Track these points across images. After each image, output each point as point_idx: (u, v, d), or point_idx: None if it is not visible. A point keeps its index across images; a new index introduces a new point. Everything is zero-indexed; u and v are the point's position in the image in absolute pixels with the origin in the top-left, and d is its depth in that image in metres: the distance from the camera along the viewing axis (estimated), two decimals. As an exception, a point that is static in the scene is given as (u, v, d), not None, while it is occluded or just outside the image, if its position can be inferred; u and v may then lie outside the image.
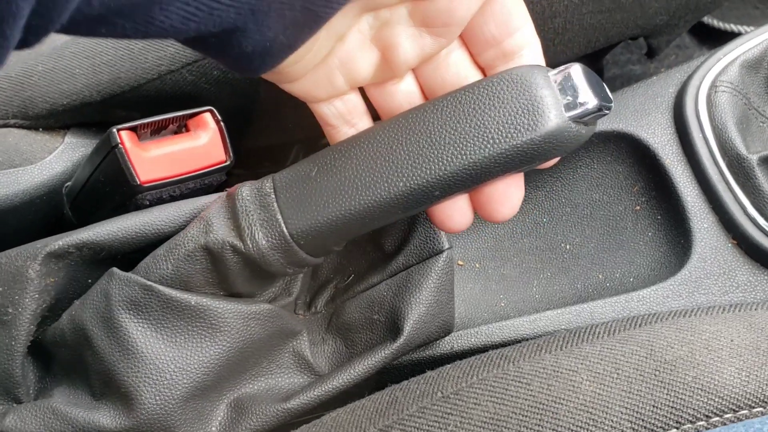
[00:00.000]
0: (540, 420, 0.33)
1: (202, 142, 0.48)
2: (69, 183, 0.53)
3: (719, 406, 0.33)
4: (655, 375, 0.34)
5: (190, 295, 0.41)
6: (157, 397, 0.41)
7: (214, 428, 0.43)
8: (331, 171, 0.39)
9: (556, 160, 0.40)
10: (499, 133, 0.36)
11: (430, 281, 0.46)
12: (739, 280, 0.52)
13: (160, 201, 0.47)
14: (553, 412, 0.33)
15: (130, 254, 0.44)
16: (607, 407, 0.33)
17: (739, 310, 0.38)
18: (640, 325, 0.36)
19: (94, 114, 0.56)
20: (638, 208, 0.57)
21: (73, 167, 0.56)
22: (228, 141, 0.48)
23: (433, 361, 0.51)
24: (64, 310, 0.44)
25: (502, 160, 0.36)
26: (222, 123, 0.48)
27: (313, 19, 0.33)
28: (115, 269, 0.42)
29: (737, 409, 0.33)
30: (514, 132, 0.36)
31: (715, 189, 0.54)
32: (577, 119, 0.36)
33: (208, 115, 0.48)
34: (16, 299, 0.43)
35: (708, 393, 0.33)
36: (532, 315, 0.52)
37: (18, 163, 0.55)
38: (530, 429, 0.33)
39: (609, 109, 0.37)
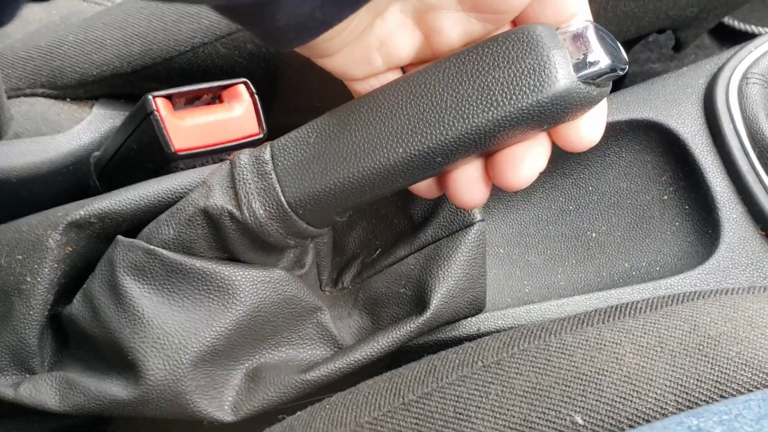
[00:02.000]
0: (583, 391, 0.33)
1: (237, 114, 0.48)
2: (97, 153, 0.53)
3: (763, 381, 0.33)
4: (698, 349, 0.33)
5: (195, 259, 0.40)
6: (166, 363, 0.40)
7: (230, 397, 0.42)
8: (330, 137, 0.37)
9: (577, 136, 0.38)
10: (504, 94, 0.34)
11: (459, 255, 0.45)
12: (767, 270, 0.52)
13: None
14: (596, 383, 0.33)
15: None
16: (651, 379, 0.33)
17: (781, 290, 0.37)
18: (682, 302, 0.36)
19: (123, 86, 0.56)
20: (666, 197, 0.57)
21: (101, 138, 0.55)
22: (261, 114, 0.48)
23: (458, 341, 0.51)
24: (83, 280, 0.44)
25: (507, 124, 0.34)
26: (256, 95, 0.48)
27: None
28: (119, 237, 0.42)
29: (781, 385, 0.33)
30: (520, 93, 0.34)
31: (745, 179, 0.53)
32: (588, 80, 0.34)
33: (242, 87, 0.48)
34: (35, 268, 0.42)
35: (752, 368, 0.33)
36: (559, 300, 0.52)
37: (46, 131, 0.55)
38: (573, 399, 0.33)
39: (623, 69, 0.35)
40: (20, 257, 0.43)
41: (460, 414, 0.34)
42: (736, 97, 0.55)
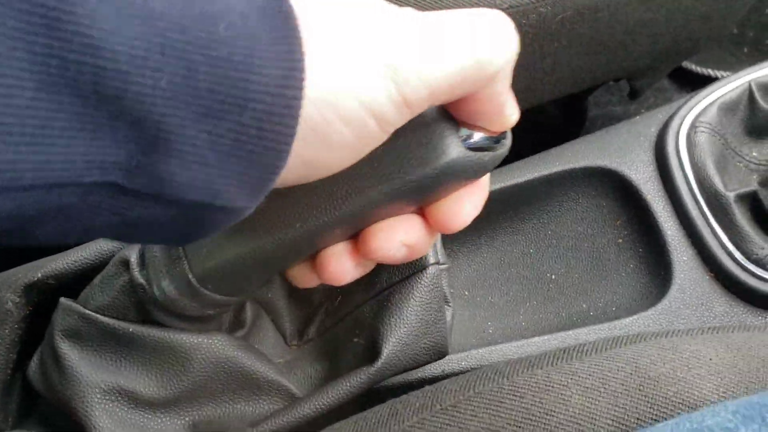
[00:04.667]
0: (533, 431, 0.35)
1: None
2: None
3: (699, 420, 0.35)
4: (639, 390, 0.36)
5: (129, 324, 0.41)
6: (107, 422, 0.40)
7: None
8: None
9: None
10: (395, 168, 0.34)
11: (413, 300, 0.44)
12: (716, 311, 0.55)
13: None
14: (544, 423, 0.35)
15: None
16: (595, 419, 0.35)
17: (718, 332, 0.40)
18: (625, 344, 0.39)
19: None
20: (621, 240, 0.60)
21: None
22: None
23: (423, 383, 0.53)
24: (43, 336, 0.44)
25: (397, 194, 0.34)
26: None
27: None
28: (62, 299, 0.42)
29: (715, 424, 0.35)
30: (409, 167, 0.33)
31: (695, 224, 0.56)
32: (475, 148, 0.34)
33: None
34: None
35: (687, 406, 0.35)
36: (520, 341, 0.54)
37: None
38: (523, 439, 0.35)
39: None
40: None
41: (418, 455, 0.36)
42: (685, 146, 0.58)
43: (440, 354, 0.46)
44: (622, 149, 0.60)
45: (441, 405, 0.37)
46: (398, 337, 0.43)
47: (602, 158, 0.60)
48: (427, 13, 0.30)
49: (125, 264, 0.40)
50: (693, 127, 0.59)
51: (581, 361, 0.38)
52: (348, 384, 0.43)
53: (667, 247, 0.57)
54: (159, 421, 0.41)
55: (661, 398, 0.35)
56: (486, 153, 0.34)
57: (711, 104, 0.60)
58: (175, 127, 0.24)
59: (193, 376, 0.41)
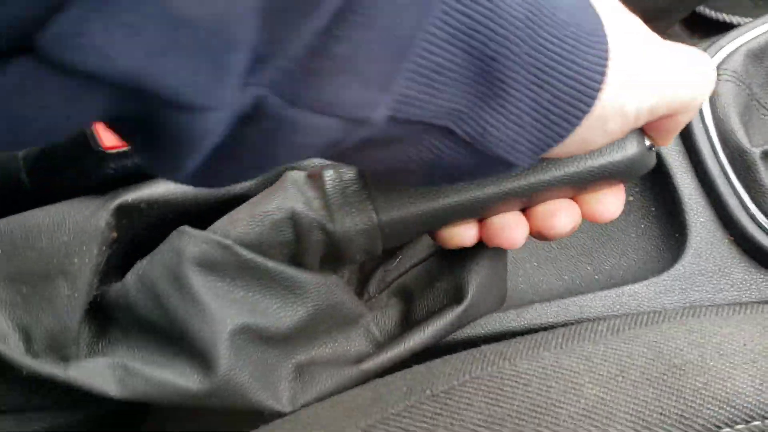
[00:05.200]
0: (538, 424, 0.30)
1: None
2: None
3: (731, 416, 0.31)
4: (663, 380, 0.31)
5: (267, 260, 0.42)
6: (232, 357, 0.40)
7: (286, 389, 0.42)
8: None
9: None
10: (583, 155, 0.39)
11: (485, 251, 0.46)
12: (734, 278, 0.50)
13: (124, 169, 0.43)
14: (552, 416, 0.30)
15: (193, 219, 0.44)
16: (611, 413, 0.30)
17: (751, 312, 0.35)
18: (646, 324, 0.34)
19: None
20: (631, 198, 0.55)
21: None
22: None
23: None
24: (125, 269, 0.43)
25: (596, 174, 0.39)
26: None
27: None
28: (186, 227, 0.42)
29: (750, 420, 0.31)
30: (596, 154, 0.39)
31: (714, 182, 0.51)
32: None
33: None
34: (84, 250, 0.42)
35: (719, 401, 0.31)
36: (519, 308, 0.50)
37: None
38: (527, 434, 0.30)
39: None
40: (66, 239, 0.42)
41: (404, 449, 0.31)
42: (707, 95, 0.53)
43: (501, 303, 0.49)
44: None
45: (432, 390, 0.33)
46: (480, 278, 0.46)
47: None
48: (655, 41, 0.36)
49: (294, 201, 0.42)
50: (716, 74, 0.53)
51: (595, 343, 0.33)
52: (439, 323, 0.44)
53: (682, 207, 0.52)
54: (275, 357, 0.43)
55: (688, 390, 0.31)
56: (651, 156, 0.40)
57: (736, 50, 0.55)
58: (514, 88, 0.29)
59: (310, 315, 0.43)
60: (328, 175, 0.42)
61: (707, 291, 0.50)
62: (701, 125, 0.52)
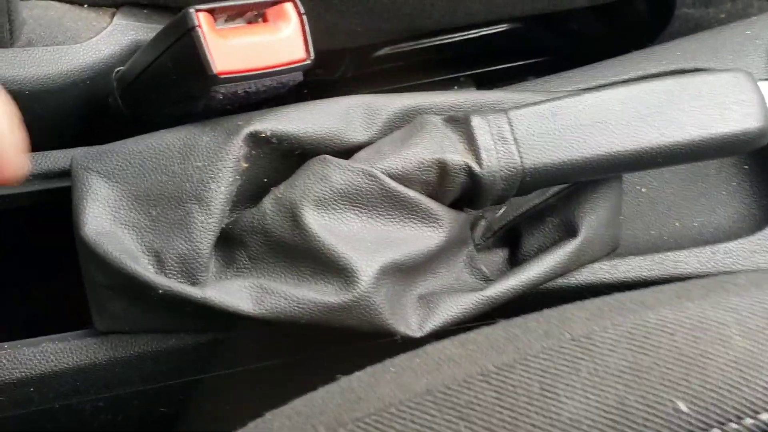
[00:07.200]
0: (686, 373, 0.30)
1: (284, 35, 0.43)
2: (122, 68, 0.48)
3: None
4: (815, 336, 0.30)
5: (409, 190, 0.43)
6: (372, 276, 0.41)
7: (413, 315, 0.44)
8: (573, 116, 0.43)
9: None
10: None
11: (599, 189, 0.47)
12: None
13: (234, 96, 0.42)
14: (700, 367, 0.30)
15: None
16: (761, 367, 0.30)
17: None
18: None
19: (148, -7, 0.51)
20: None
21: (122, 51, 0.50)
22: (309, 36, 0.43)
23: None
24: (253, 199, 0.44)
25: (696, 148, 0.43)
26: (304, 16, 0.43)
27: None
28: (327, 156, 0.43)
29: None
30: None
31: (815, 140, 0.50)
32: None
33: (289, 6, 0.43)
34: (218, 175, 0.41)
35: None
36: (612, 260, 0.49)
37: (61, 40, 0.49)
38: (675, 383, 0.29)
39: None
40: (199, 164, 0.41)
41: (546, 391, 0.30)
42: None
43: (616, 246, 0.50)
44: (735, 51, 0.54)
45: (571, 334, 0.32)
46: (594, 217, 0.47)
47: (713, 60, 0.53)
48: None
49: (441, 145, 0.43)
50: None
51: (740, 296, 0.32)
52: (555, 256, 0.46)
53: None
54: (401, 286, 0.44)
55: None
56: None
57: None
58: None
59: (440, 248, 0.44)
60: (475, 119, 0.43)
61: (801, 253, 0.50)
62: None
